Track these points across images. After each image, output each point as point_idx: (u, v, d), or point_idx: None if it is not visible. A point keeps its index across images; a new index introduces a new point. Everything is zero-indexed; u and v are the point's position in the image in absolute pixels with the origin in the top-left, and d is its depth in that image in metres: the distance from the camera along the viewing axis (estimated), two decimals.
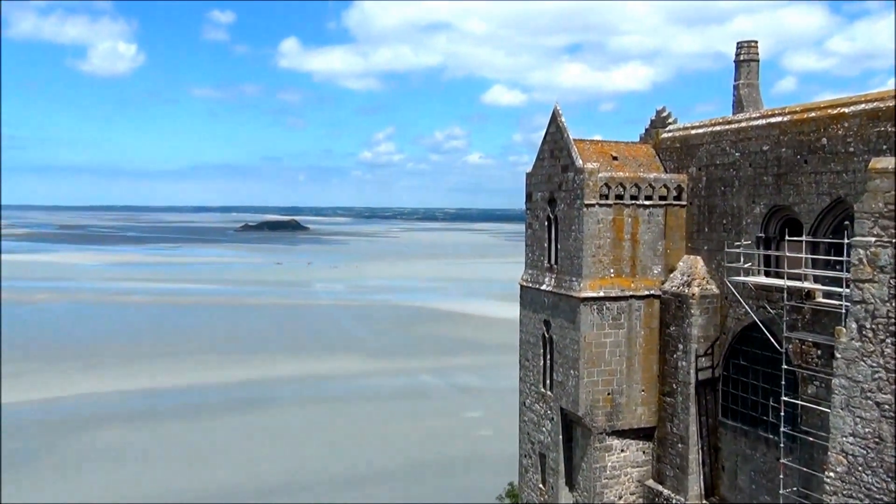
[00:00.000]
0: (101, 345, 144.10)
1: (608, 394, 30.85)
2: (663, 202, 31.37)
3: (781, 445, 24.76)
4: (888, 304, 18.33)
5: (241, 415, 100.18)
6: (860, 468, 18.95)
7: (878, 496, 18.55)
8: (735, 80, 35.60)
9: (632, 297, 30.89)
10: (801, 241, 25.35)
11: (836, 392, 19.60)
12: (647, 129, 34.90)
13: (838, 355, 19.58)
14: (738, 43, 35.87)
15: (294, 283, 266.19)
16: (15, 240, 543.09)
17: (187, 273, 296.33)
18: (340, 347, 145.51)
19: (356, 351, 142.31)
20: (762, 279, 27.32)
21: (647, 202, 31.12)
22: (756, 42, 35.62)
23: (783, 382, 24.56)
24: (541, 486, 34.24)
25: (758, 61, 35.56)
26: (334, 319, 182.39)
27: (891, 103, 22.71)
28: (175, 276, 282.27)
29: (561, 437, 32.49)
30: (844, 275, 20.97)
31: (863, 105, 23.91)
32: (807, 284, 25.19)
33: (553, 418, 32.81)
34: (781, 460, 24.84)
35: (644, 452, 31.83)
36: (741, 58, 35.55)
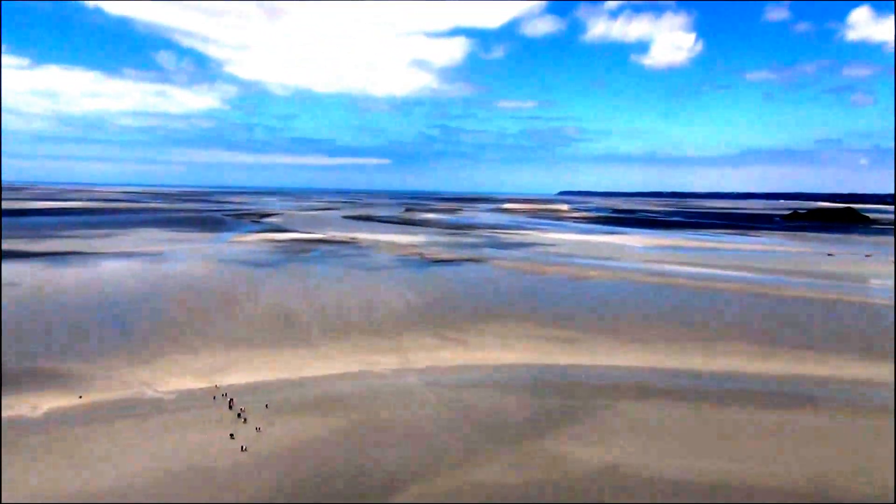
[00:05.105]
0: (646, 322, 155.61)
1: None
2: None
3: None
4: None
5: (773, 409, 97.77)
6: None
7: None
8: None
9: None
10: None
11: None
12: None
13: None
14: None
15: (845, 276, 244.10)
16: (580, 222, 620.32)
17: (728, 259, 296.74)
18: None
19: None
20: None
21: None
22: None
23: None
24: None
25: None
26: (892, 320, 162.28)
27: None
28: (716, 261, 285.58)
29: None
30: None
31: None
32: None
33: None
34: None
35: None
36: None
